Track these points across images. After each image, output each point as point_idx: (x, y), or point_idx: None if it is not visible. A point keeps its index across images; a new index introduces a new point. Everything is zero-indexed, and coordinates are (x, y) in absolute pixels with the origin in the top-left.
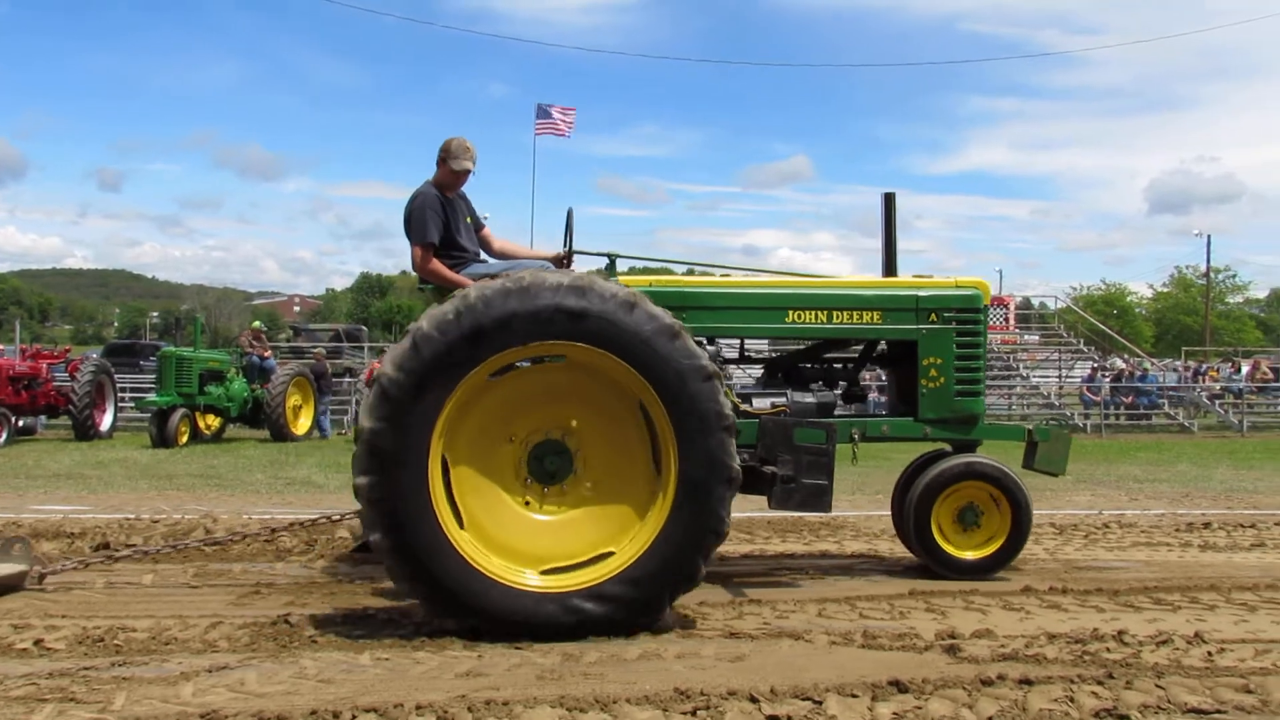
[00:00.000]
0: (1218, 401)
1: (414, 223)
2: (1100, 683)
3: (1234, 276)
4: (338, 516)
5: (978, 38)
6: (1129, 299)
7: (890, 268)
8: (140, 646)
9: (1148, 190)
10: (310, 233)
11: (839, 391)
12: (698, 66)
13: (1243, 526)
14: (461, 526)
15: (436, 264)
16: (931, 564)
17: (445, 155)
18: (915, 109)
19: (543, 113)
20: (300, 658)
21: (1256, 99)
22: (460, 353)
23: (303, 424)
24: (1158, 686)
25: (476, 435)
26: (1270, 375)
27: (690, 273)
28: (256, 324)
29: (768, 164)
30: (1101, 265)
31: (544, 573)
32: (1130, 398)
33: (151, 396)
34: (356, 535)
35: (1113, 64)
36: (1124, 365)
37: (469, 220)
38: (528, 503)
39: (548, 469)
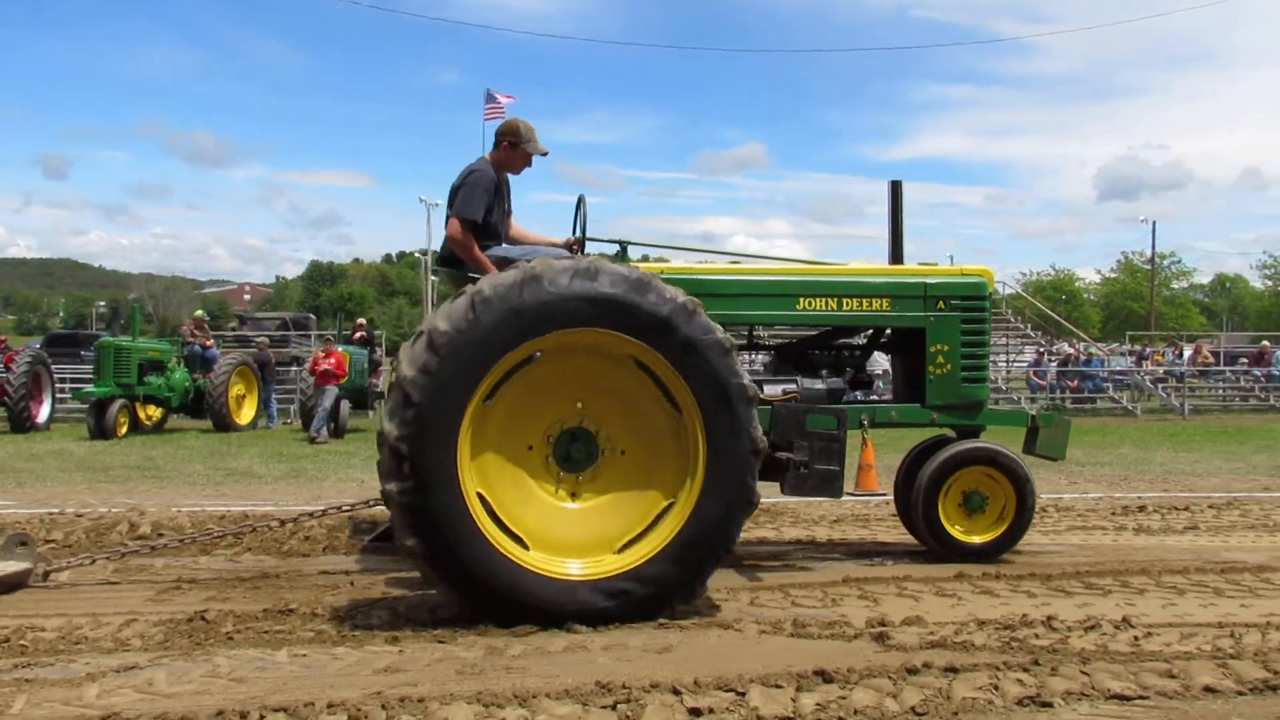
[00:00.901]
0: (1160, 385)
1: (464, 196)
2: (1026, 669)
3: (1179, 262)
4: (347, 507)
5: (933, 24)
6: (1077, 284)
7: (896, 255)
8: (48, 647)
9: (1097, 177)
10: (262, 220)
11: (846, 378)
12: (652, 52)
13: (1176, 509)
14: (496, 522)
15: (472, 242)
16: (938, 549)
17: (514, 138)
18: (870, 96)
19: (491, 98)
20: (214, 655)
21: (1202, 87)
22: (480, 348)
23: (246, 414)
24: (1083, 673)
25: (501, 429)
26: (1211, 359)
27: (700, 262)
28: (199, 313)
29: (723, 150)
30: (1052, 251)
31: (583, 560)
32: (1075, 382)
33: (89, 387)
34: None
35: (1065, 52)
36: (1071, 350)
37: (507, 207)
38: (558, 492)
39: (574, 456)
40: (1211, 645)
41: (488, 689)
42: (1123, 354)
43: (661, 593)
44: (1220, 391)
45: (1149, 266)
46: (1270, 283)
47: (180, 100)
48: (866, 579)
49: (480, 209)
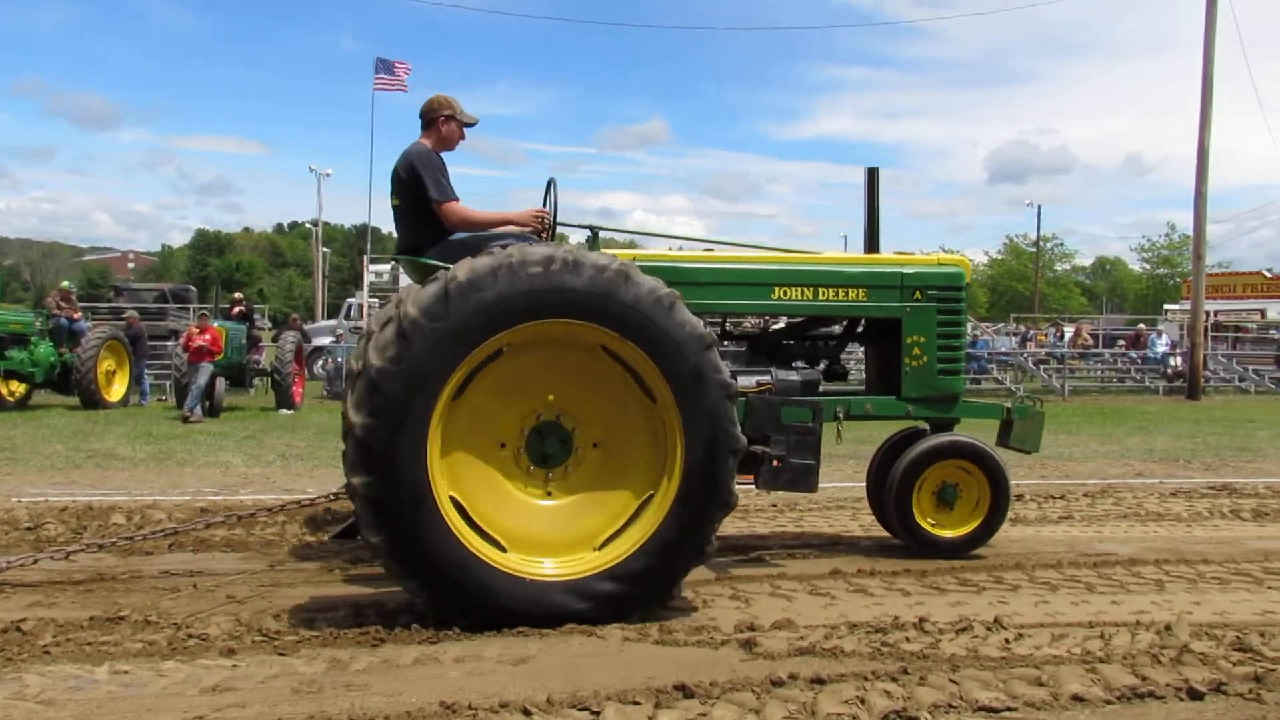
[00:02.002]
0: (1042, 367)
1: (429, 181)
2: (894, 679)
3: (1061, 245)
4: (306, 501)
5: (831, 6)
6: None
7: (873, 244)
8: None
9: (988, 160)
10: (148, 186)
11: (820, 369)
12: (557, 24)
13: (1053, 498)
14: (466, 520)
15: (467, 210)
16: (910, 542)
17: (449, 112)
18: (768, 75)
19: (383, 67)
20: (25, 673)
21: (1087, 74)
22: (453, 338)
23: (117, 390)
24: (952, 681)
25: (471, 427)
26: (1090, 341)
27: (671, 249)
28: (65, 284)
29: (625, 126)
30: (945, 232)
31: (563, 559)
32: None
33: None
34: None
35: (959, 37)
36: None
37: None
38: (532, 490)
39: (548, 452)
40: (1081, 649)
41: (323, 710)
42: (1007, 335)
43: (637, 593)
44: (1099, 372)
45: (1034, 249)
46: (1147, 266)
47: (64, 59)
48: (740, 577)
49: (450, 186)
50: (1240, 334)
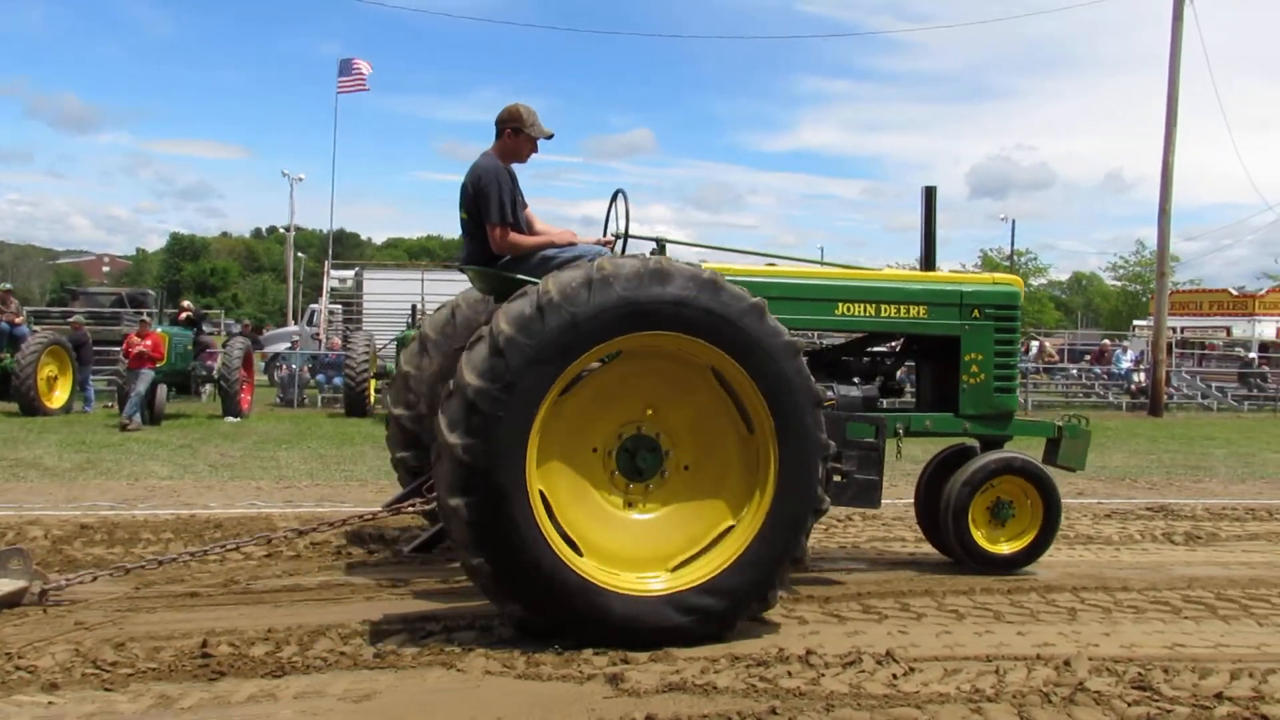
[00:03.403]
0: None
1: (492, 201)
2: None
3: (1035, 259)
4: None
5: (816, 19)
6: None
7: (930, 261)
8: None
9: (969, 175)
10: (127, 189)
11: (877, 385)
12: (545, 32)
13: None
14: (565, 538)
15: (516, 237)
16: (965, 558)
17: (517, 123)
18: (753, 86)
19: (346, 69)
20: None
21: (1066, 91)
22: (548, 353)
23: (59, 397)
24: None
25: (565, 440)
26: (1055, 356)
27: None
28: (5, 285)
29: (611, 135)
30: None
31: (632, 574)
32: None
33: None
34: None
35: (941, 51)
36: None
37: (521, 199)
38: (612, 499)
39: (639, 465)
40: (972, 685)
41: None
42: None
43: (736, 606)
44: (1063, 387)
45: (1008, 263)
46: (1120, 282)
47: (46, 61)
48: None
49: (511, 209)
50: (1206, 351)
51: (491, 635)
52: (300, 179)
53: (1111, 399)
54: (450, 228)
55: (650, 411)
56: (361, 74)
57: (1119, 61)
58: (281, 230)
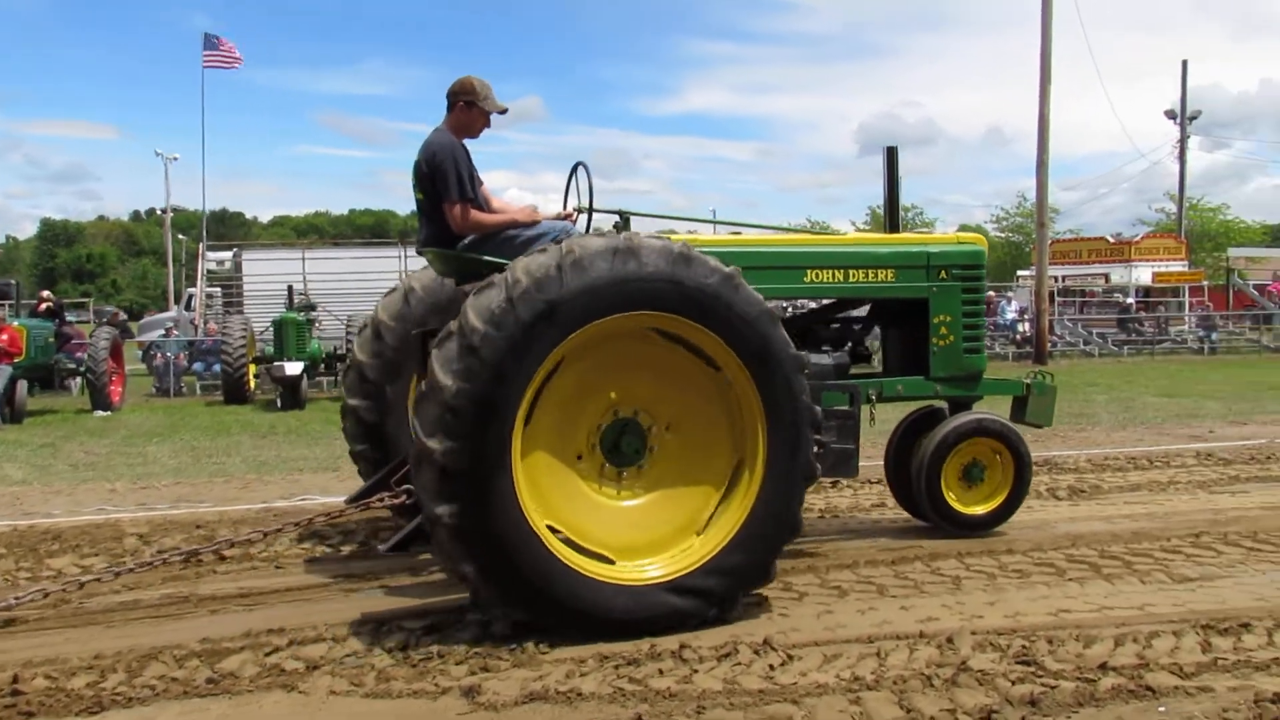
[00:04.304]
0: None
1: (450, 177)
2: None
3: (921, 214)
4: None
5: None
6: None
7: (894, 223)
8: None
9: (858, 133)
10: None
11: (846, 352)
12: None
13: (870, 482)
14: (576, 549)
15: (478, 215)
16: (939, 521)
17: (471, 96)
18: (639, 50)
19: (210, 43)
20: None
21: (948, 48)
22: (524, 345)
23: None
24: None
25: (548, 433)
26: None
27: (691, 232)
28: None
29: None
30: (816, 204)
31: (666, 555)
32: None
33: None
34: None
35: (823, 10)
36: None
37: (476, 174)
38: (621, 494)
39: (625, 450)
40: (851, 673)
41: None
42: None
43: (738, 584)
44: None
45: None
46: (1003, 234)
47: None
48: None
49: (471, 184)
50: (1086, 298)
51: (344, 648)
52: (175, 158)
53: (998, 349)
54: (337, 203)
55: (613, 395)
56: (228, 51)
57: (995, 19)
58: (160, 212)
